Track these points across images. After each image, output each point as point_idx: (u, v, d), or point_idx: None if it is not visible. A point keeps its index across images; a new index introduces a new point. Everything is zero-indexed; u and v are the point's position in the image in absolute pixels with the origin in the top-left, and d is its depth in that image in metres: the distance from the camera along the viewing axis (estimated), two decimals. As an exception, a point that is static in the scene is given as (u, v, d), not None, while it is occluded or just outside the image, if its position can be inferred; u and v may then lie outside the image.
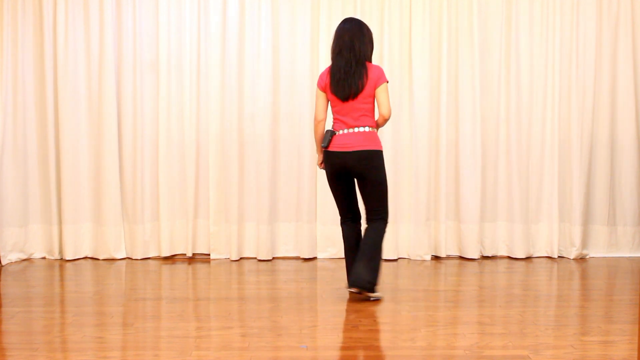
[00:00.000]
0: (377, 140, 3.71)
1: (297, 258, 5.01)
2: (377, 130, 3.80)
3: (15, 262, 4.81)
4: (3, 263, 4.74)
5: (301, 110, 4.92)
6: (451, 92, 4.99)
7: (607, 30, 5.03)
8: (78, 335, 3.08)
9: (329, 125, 3.84)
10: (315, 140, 3.83)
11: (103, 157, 4.88)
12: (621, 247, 5.14)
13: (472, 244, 4.97)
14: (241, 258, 5.00)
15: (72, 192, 4.87)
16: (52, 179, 4.87)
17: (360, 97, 3.66)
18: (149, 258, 4.98)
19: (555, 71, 4.99)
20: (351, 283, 3.67)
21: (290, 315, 3.44)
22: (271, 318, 3.38)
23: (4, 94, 4.75)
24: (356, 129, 3.68)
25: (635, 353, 2.81)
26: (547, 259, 5.04)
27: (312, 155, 4.90)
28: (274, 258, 5.01)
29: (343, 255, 3.95)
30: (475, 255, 4.97)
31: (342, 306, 3.65)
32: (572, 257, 5.04)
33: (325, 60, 4.82)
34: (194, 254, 5.02)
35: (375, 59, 4.93)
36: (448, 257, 5.05)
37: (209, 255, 5.02)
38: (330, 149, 3.73)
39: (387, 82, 3.68)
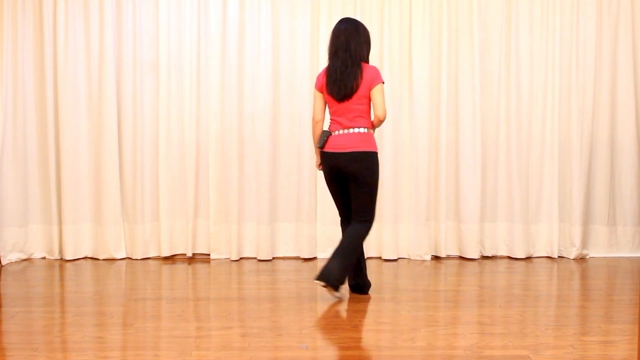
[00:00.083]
0: (371, 141, 3.70)
1: (297, 258, 5.02)
2: (374, 130, 3.81)
3: (15, 262, 4.81)
4: (3, 263, 4.74)
5: (301, 111, 4.92)
6: (451, 92, 5.00)
7: (607, 30, 5.03)
8: (78, 335, 3.08)
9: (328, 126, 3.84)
10: (314, 141, 3.84)
11: (103, 157, 4.88)
12: (621, 247, 5.14)
13: (472, 244, 4.97)
14: (241, 258, 5.00)
15: (72, 192, 4.87)
16: (52, 179, 4.87)
17: (355, 97, 3.65)
18: (149, 258, 4.98)
19: (555, 71, 4.99)
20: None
21: (290, 315, 3.44)
22: (271, 318, 3.38)
23: (4, 94, 4.75)
24: (351, 130, 3.68)
25: (635, 353, 2.81)
26: (547, 259, 5.04)
27: (312, 155, 4.90)
28: (274, 258, 5.01)
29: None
30: (475, 255, 4.98)
31: (342, 306, 3.65)
32: (572, 257, 5.04)
33: (325, 61, 4.82)
34: (194, 254, 5.02)
35: (375, 59, 4.93)
36: (448, 257, 5.05)
37: (209, 255, 5.02)
38: (326, 149, 3.73)
39: (383, 82, 3.66)
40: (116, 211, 4.92)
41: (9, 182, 4.78)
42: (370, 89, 3.64)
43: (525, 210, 5.04)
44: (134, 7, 4.89)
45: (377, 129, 4.86)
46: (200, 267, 4.72)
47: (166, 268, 4.68)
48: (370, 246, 5.00)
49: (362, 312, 3.53)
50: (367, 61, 3.73)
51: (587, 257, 5.11)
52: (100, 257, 4.93)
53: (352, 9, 4.92)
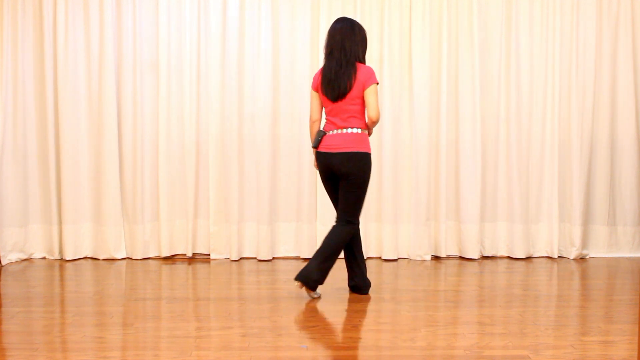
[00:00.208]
0: (364, 142, 3.70)
1: (297, 258, 5.01)
2: (370, 132, 3.81)
3: (15, 262, 4.81)
4: (3, 263, 4.74)
5: (301, 110, 4.92)
6: (451, 92, 5.00)
7: (607, 30, 5.03)
8: (78, 335, 3.08)
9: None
10: (311, 141, 3.85)
11: (103, 157, 4.88)
12: (621, 247, 5.14)
13: (472, 244, 4.97)
14: (241, 258, 5.00)
15: (72, 192, 4.87)
16: (52, 179, 4.87)
17: (348, 97, 3.65)
18: (149, 258, 4.98)
19: (555, 71, 4.99)
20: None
21: (290, 315, 3.44)
22: (271, 318, 3.38)
23: (4, 94, 4.75)
24: (344, 130, 3.68)
25: (635, 353, 2.81)
26: (547, 259, 5.04)
27: (312, 155, 4.90)
28: (274, 258, 5.00)
29: (342, 255, 3.97)
30: (475, 255, 4.97)
31: (342, 306, 3.65)
32: (572, 257, 5.04)
33: (325, 60, 4.82)
34: (194, 254, 5.02)
35: (375, 59, 4.94)
36: (448, 257, 5.05)
37: (209, 255, 5.02)
38: (320, 149, 3.75)
39: (377, 83, 3.66)
40: (116, 211, 4.92)
41: (9, 182, 4.78)
42: (363, 90, 3.63)
43: (525, 210, 5.04)
44: (134, 7, 4.89)
45: (376, 129, 4.90)
46: (200, 267, 4.72)
47: (166, 268, 4.68)
48: (370, 246, 5.00)
49: (362, 312, 3.53)
50: (362, 61, 3.73)
51: (587, 257, 5.11)
52: (100, 257, 4.93)
53: (352, 9, 4.92)
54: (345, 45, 3.66)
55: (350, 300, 3.76)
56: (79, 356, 2.80)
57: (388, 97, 4.93)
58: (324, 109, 3.81)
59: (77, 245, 4.92)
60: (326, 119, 3.78)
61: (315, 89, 3.78)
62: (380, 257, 5.01)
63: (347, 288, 3.98)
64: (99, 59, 4.86)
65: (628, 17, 5.01)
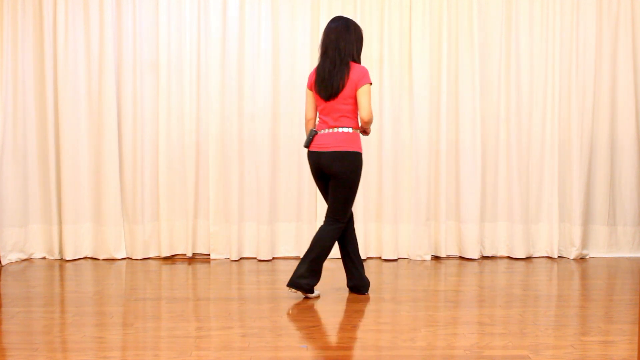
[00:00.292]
0: (355, 141, 3.69)
1: (297, 258, 5.01)
2: (366, 131, 3.81)
3: (15, 262, 4.81)
4: (3, 263, 4.74)
5: (301, 111, 4.91)
6: (451, 92, 4.99)
7: (607, 30, 5.03)
8: (78, 335, 3.08)
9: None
10: None
11: (103, 157, 4.88)
12: (621, 247, 5.14)
13: (472, 244, 4.97)
14: (241, 258, 5.00)
15: (72, 192, 4.87)
16: (52, 179, 4.87)
17: (341, 97, 3.64)
18: (149, 258, 4.98)
19: (555, 71, 4.99)
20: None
21: (290, 315, 3.44)
22: (271, 318, 3.38)
23: (4, 94, 4.75)
24: (335, 130, 3.68)
25: (635, 353, 2.81)
26: (547, 259, 5.04)
27: (312, 155, 4.90)
28: (274, 258, 5.00)
29: (339, 255, 4.00)
30: (475, 255, 4.97)
31: (342, 306, 3.65)
32: (572, 257, 5.04)
33: (325, 60, 4.82)
34: (194, 254, 5.02)
35: (375, 59, 4.94)
36: (448, 257, 5.05)
37: (209, 255, 5.02)
38: (311, 148, 3.75)
39: (371, 84, 3.64)
40: (116, 211, 4.92)
41: (9, 182, 4.78)
42: (356, 89, 3.63)
43: (525, 210, 5.04)
44: (134, 7, 4.89)
45: (376, 129, 4.90)
46: (200, 267, 4.72)
47: (166, 268, 4.68)
48: (370, 246, 5.01)
49: (362, 312, 3.53)
50: (357, 60, 3.72)
51: (587, 257, 5.11)
52: (100, 257, 4.93)
53: (352, 9, 4.92)
54: (340, 44, 3.66)
55: (350, 301, 3.76)
56: (79, 356, 2.80)
57: (388, 97, 4.93)
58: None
59: (77, 245, 4.92)
60: (319, 117, 3.78)
61: (309, 87, 3.79)
62: (380, 257, 5.01)
63: (347, 288, 3.98)
64: (99, 59, 4.86)
65: (628, 17, 5.01)
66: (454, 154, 5.01)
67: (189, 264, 4.82)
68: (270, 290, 4.00)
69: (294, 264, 4.78)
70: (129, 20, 4.89)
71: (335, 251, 4.95)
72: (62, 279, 4.37)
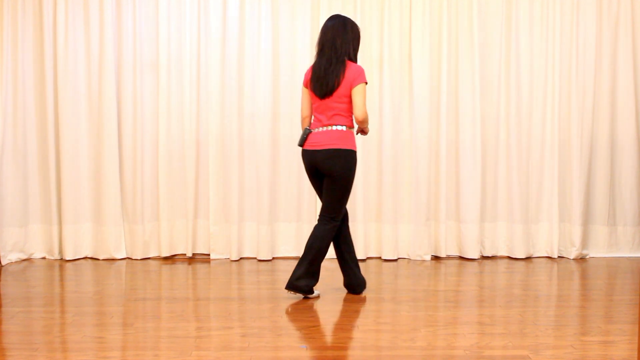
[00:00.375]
0: (349, 139, 3.68)
1: (297, 258, 5.00)
2: (365, 131, 3.81)
3: (15, 262, 4.81)
4: (3, 263, 4.74)
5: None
6: (451, 92, 4.99)
7: (607, 30, 5.03)
8: (78, 335, 3.08)
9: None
10: None
11: (103, 157, 4.88)
12: (621, 247, 5.14)
13: (472, 244, 4.97)
14: (241, 258, 5.00)
15: (72, 192, 4.87)
16: (52, 179, 4.87)
17: (335, 95, 3.64)
18: (149, 258, 4.98)
19: (555, 71, 4.99)
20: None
21: (290, 315, 3.44)
22: (271, 318, 3.38)
23: (4, 94, 4.75)
24: (329, 128, 3.67)
25: (635, 353, 2.81)
26: (547, 259, 5.04)
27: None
28: (274, 258, 5.00)
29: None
30: (475, 255, 4.97)
31: (342, 306, 3.65)
32: (572, 257, 5.04)
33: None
34: (194, 254, 5.02)
35: (375, 59, 4.94)
36: (448, 257, 5.04)
37: (209, 255, 5.02)
38: (305, 147, 3.75)
39: (366, 83, 3.64)
40: (116, 211, 4.92)
41: (9, 182, 4.78)
42: (351, 88, 3.62)
43: (525, 210, 5.04)
44: (134, 7, 4.89)
45: (376, 128, 4.90)
46: (200, 267, 4.72)
47: (166, 268, 4.68)
48: (370, 246, 5.00)
49: (362, 312, 3.53)
50: (353, 59, 3.71)
51: (587, 257, 5.10)
52: (100, 257, 4.93)
53: (352, 9, 4.92)
54: (336, 42, 3.66)
55: (349, 301, 3.76)
56: (79, 356, 2.80)
57: (388, 97, 4.93)
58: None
59: (77, 245, 4.92)
60: (313, 116, 3.78)
61: (305, 85, 3.79)
62: (380, 257, 5.01)
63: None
64: (99, 59, 4.86)
65: (628, 17, 5.01)
66: (454, 154, 5.01)
67: (189, 264, 4.82)
68: (270, 290, 4.00)
69: (294, 264, 4.78)
70: (129, 20, 4.89)
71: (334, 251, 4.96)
72: (62, 279, 4.37)
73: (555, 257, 5.03)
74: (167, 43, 4.90)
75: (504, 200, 5.02)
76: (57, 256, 4.92)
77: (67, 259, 4.87)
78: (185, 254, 4.99)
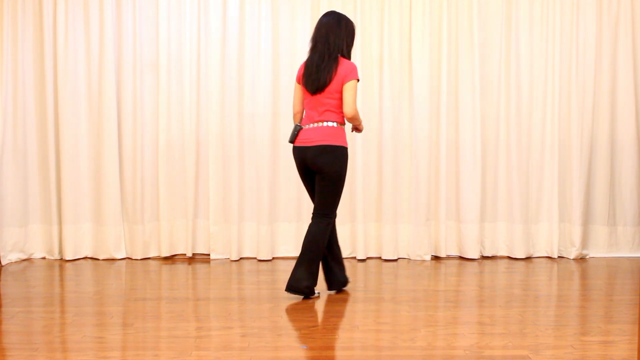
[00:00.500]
0: (339, 136, 3.66)
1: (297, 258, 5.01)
2: (359, 129, 3.81)
3: (15, 262, 4.81)
4: (3, 263, 4.73)
5: (301, 110, 4.92)
6: (451, 92, 4.99)
7: (607, 30, 5.03)
8: (78, 335, 3.08)
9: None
10: None
11: (103, 157, 4.88)
12: (621, 247, 5.14)
13: (472, 244, 4.97)
14: (241, 258, 4.99)
15: (72, 192, 4.87)
16: (52, 179, 4.87)
17: (327, 91, 3.62)
18: (149, 258, 4.98)
19: (555, 71, 4.99)
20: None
21: (290, 315, 3.44)
22: (271, 318, 3.38)
23: (4, 94, 4.75)
24: (320, 124, 3.66)
25: (635, 353, 2.81)
26: (547, 259, 5.03)
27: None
28: (274, 258, 5.00)
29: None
30: (475, 255, 4.97)
31: (342, 306, 3.65)
32: (572, 257, 5.03)
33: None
34: (194, 254, 5.02)
35: (375, 59, 4.94)
36: (448, 257, 5.04)
37: (209, 255, 5.02)
38: (296, 143, 3.73)
39: (358, 80, 3.63)
40: (116, 211, 4.92)
41: (9, 182, 4.78)
42: (342, 85, 3.61)
43: (525, 210, 5.04)
44: (134, 7, 4.89)
45: (376, 128, 4.90)
46: (200, 267, 4.72)
47: (166, 268, 4.68)
48: (370, 246, 5.00)
49: (362, 312, 3.53)
50: (346, 55, 3.70)
51: (587, 257, 5.10)
52: (100, 257, 4.93)
53: (352, 9, 4.92)
54: (330, 38, 3.65)
55: (349, 301, 3.76)
56: (79, 356, 2.80)
57: (388, 97, 4.93)
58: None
59: (77, 245, 4.92)
60: (305, 111, 3.77)
61: (297, 81, 3.78)
62: (380, 257, 5.01)
63: (347, 289, 3.97)
64: (99, 59, 4.86)
65: (628, 17, 5.01)
66: (454, 154, 5.01)
67: (189, 264, 4.82)
68: (270, 290, 4.00)
69: (294, 264, 4.78)
70: (129, 20, 4.89)
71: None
72: (62, 279, 4.37)
73: (555, 257, 5.03)
74: (167, 43, 4.90)
75: (504, 200, 5.02)
76: (57, 256, 4.92)
77: (67, 259, 4.87)
78: (185, 254, 4.99)
